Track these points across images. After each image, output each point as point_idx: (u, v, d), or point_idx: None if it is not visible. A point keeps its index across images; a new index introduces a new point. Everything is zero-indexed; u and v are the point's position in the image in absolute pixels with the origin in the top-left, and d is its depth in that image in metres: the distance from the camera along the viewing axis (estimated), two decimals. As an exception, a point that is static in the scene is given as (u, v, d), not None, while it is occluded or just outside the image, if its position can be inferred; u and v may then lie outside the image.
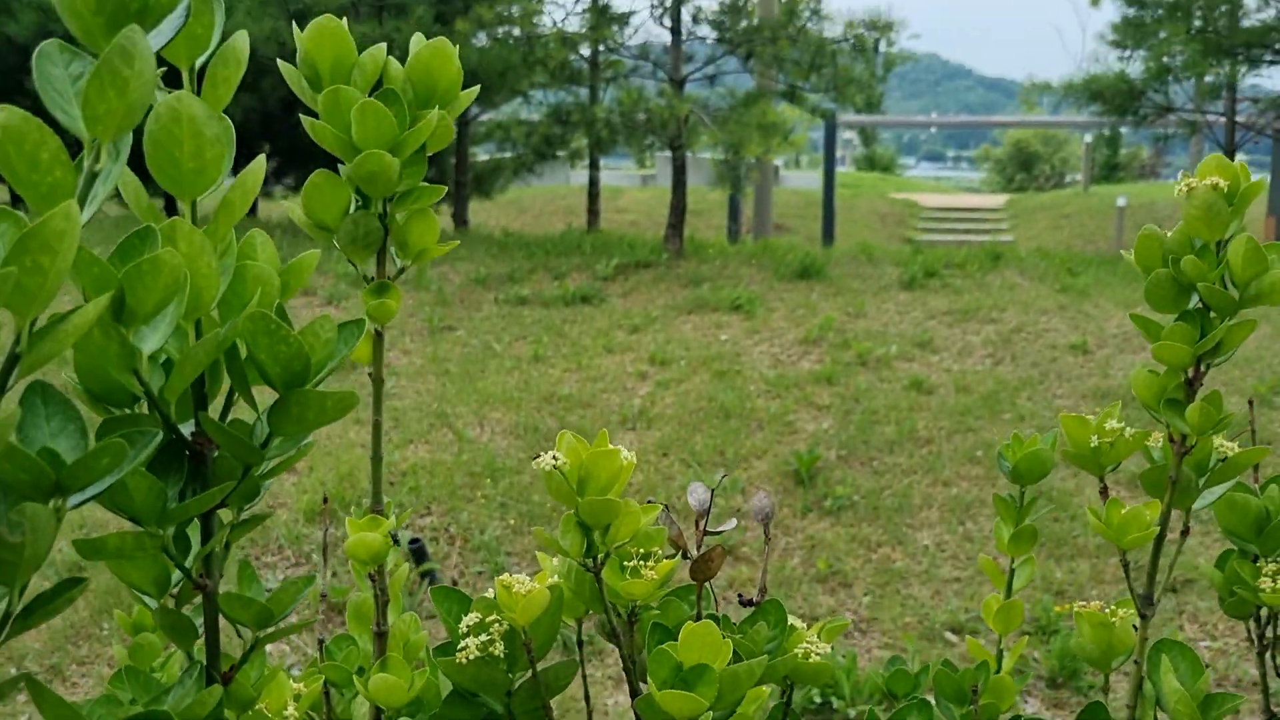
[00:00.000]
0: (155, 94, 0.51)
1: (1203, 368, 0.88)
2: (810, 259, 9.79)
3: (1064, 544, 4.86)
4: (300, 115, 0.77)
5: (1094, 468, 0.94)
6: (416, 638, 1.05)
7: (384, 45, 0.77)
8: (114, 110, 0.47)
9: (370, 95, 0.76)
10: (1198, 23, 12.03)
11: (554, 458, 0.74)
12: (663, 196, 15.06)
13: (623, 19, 11.52)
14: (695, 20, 11.32)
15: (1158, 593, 0.95)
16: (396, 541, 0.96)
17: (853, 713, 3.64)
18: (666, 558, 0.79)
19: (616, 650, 0.80)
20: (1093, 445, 0.92)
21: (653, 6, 11.33)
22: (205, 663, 0.63)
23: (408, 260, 0.83)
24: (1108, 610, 0.93)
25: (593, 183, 14.40)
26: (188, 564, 0.61)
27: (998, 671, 1.10)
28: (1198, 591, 4.45)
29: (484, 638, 0.71)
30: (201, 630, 0.63)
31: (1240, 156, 14.10)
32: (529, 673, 0.73)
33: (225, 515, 0.62)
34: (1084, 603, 0.95)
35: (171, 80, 0.58)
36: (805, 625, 0.85)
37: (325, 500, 1.00)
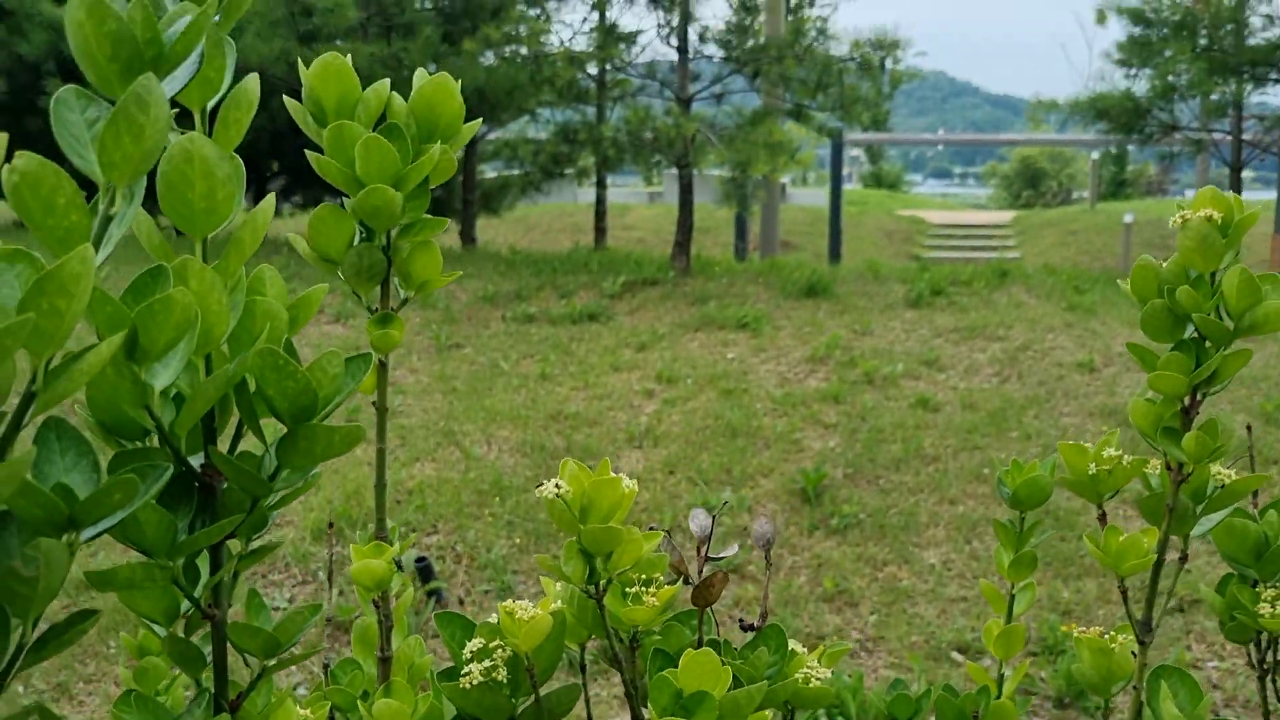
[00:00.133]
0: (169, 136, 0.52)
1: (1199, 396, 0.89)
2: (817, 277, 9.81)
3: (1070, 563, 4.85)
4: (306, 151, 0.79)
5: (1092, 495, 0.95)
6: (421, 661, 1.06)
7: (387, 81, 0.79)
8: (129, 156, 0.49)
9: (374, 129, 0.77)
10: (1203, 41, 12.06)
11: (557, 485, 0.75)
12: (670, 213, 15.10)
13: (630, 38, 11.57)
14: (702, 39, 11.37)
15: (1157, 619, 0.95)
16: (401, 568, 0.97)
17: (859, 733, 3.63)
18: (668, 583, 0.80)
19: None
20: (1091, 473, 0.93)
21: (659, 26, 11.39)
22: (213, 691, 0.64)
23: (411, 291, 0.84)
24: (1107, 636, 0.94)
25: (600, 200, 14.44)
26: (197, 594, 0.62)
27: (999, 696, 1.11)
28: (1204, 611, 4.43)
29: (487, 663, 0.72)
30: (209, 658, 0.65)
31: (1246, 174, 14.12)
32: (532, 698, 0.74)
33: (234, 545, 0.63)
34: (1084, 628, 0.96)
35: (184, 120, 0.60)
36: (808, 648, 0.85)
37: (331, 525, 1.01)
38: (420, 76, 0.80)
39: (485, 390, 7.03)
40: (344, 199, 0.80)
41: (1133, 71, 12.77)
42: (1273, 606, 0.89)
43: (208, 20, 0.52)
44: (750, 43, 11.26)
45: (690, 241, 11.00)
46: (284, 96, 0.79)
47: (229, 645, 0.65)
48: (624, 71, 11.90)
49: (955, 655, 4.23)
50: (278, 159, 13.46)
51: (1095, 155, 23.79)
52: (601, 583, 0.77)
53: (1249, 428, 1.11)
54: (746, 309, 8.78)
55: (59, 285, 0.45)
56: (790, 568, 4.93)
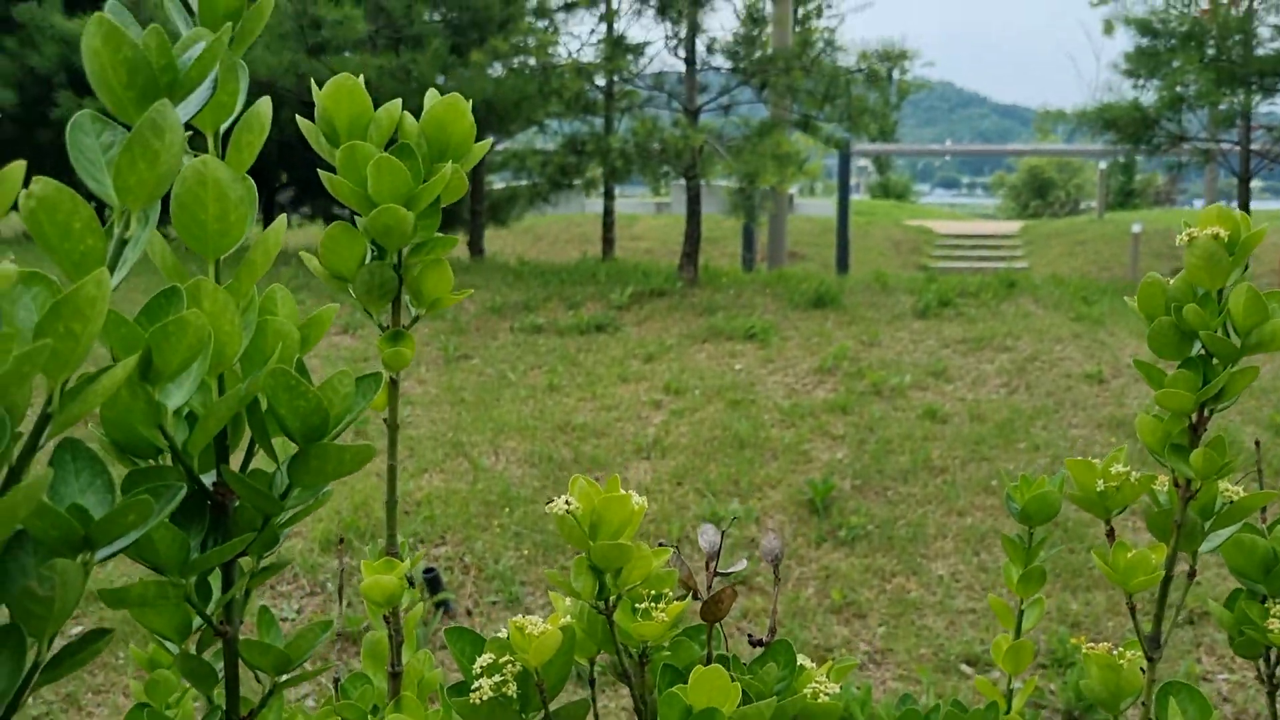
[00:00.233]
0: (183, 159, 0.53)
1: (1206, 413, 0.89)
2: (825, 287, 9.81)
3: (1080, 575, 4.84)
4: (319, 170, 0.79)
5: (1100, 511, 0.95)
6: (430, 676, 1.06)
7: (399, 101, 0.80)
8: (144, 181, 0.49)
9: (386, 149, 0.78)
10: (1211, 51, 12.05)
11: (567, 502, 0.75)
12: (678, 224, 15.11)
13: (638, 49, 11.61)
14: (709, 51, 11.40)
15: (1165, 634, 0.95)
16: (412, 583, 0.98)
17: (867, 745, 3.61)
18: (677, 598, 0.80)
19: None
20: (1099, 489, 0.93)
21: (667, 37, 11.43)
22: (225, 708, 0.65)
23: (422, 309, 0.85)
24: (1115, 652, 0.94)
25: (608, 212, 14.47)
26: (209, 611, 0.62)
27: (1008, 711, 1.11)
28: (1214, 624, 4.41)
29: (497, 678, 0.73)
30: (221, 675, 0.65)
31: (1255, 184, 14.09)
32: (542, 713, 0.75)
33: (246, 563, 0.63)
34: (1092, 642, 0.96)
35: (196, 140, 0.61)
36: (816, 661, 0.86)
37: (340, 541, 1.02)
38: (431, 96, 0.81)
39: (493, 401, 7.04)
40: (355, 216, 0.80)
41: (1141, 82, 12.76)
42: (1281, 622, 0.89)
43: (221, 46, 0.53)
44: (758, 54, 11.29)
45: (698, 252, 11.01)
46: (296, 116, 0.80)
47: (239, 661, 0.65)
48: (632, 83, 11.93)
49: (964, 667, 4.22)
50: (287, 170, 13.52)
51: (1103, 165, 23.77)
52: (611, 598, 0.78)
53: (1257, 443, 1.10)
54: (754, 320, 8.78)
55: (75, 309, 0.45)
56: (798, 579, 4.92)
